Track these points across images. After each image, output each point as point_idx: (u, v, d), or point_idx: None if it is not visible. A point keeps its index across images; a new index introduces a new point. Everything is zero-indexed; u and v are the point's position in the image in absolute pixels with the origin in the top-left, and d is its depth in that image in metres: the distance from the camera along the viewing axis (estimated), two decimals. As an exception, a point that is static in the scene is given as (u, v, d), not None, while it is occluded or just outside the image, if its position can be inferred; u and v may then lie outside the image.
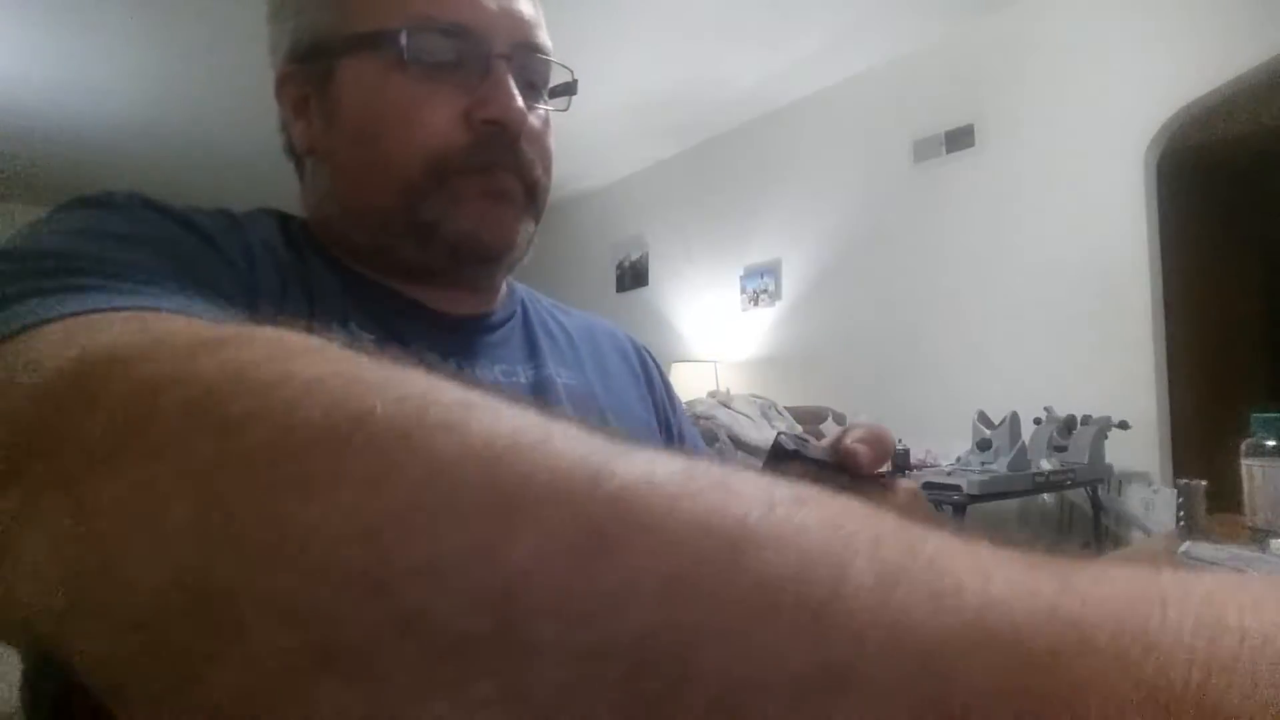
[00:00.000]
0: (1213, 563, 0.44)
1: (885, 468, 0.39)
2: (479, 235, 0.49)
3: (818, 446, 0.38)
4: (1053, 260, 2.59)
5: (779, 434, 0.39)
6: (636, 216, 4.49)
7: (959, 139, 2.87)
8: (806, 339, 3.47)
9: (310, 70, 0.51)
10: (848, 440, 0.39)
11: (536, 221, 0.54)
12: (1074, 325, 2.53)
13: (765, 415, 2.71)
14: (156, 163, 3.85)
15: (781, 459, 0.37)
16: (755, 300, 3.72)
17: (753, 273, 3.73)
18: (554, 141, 0.55)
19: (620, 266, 4.60)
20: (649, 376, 0.65)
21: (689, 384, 3.46)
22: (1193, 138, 2.63)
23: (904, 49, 3.02)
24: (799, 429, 2.73)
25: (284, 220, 0.53)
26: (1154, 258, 2.42)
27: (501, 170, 0.49)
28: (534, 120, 0.51)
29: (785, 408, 2.81)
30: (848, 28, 2.86)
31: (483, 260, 0.51)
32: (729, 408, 2.85)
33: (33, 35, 2.75)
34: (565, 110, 0.55)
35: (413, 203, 0.48)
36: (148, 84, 3.16)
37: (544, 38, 0.52)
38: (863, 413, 2.72)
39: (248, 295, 0.41)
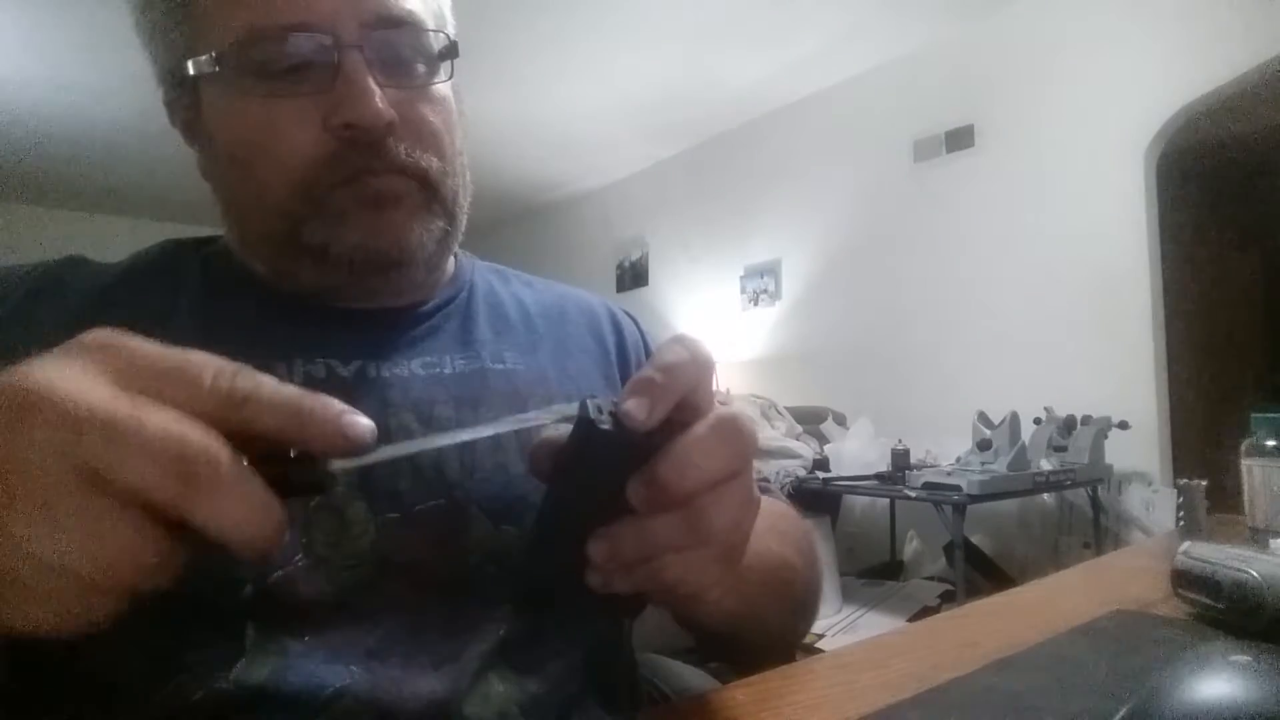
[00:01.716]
0: (1213, 563, 0.44)
1: (706, 394, 0.32)
2: (371, 247, 0.45)
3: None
4: (1053, 260, 2.58)
5: (587, 408, 0.30)
6: (636, 216, 4.49)
7: (959, 139, 2.87)
8: (806, 339, 3.47)
9: (184, 98, 0.48)
10: (622, 399, 0.30)
11: (449, 213, 0.49)
12: (1074, 325, 2.53)
13: (765, 415, 2.71)
14: (157, 162, 3.85)
15: (589, 435, 0.30)
16: (755, 300, 3.72)
17: (753, 273, 3.73)
18: (450, 115, 0.49)
19: (620, 266, 4.60)
20: (622, 348, 0.61)
21: (689, 384, 3.45)
22: (1193, 138, 2.63)
23: (904, 49, 3.02)
24: (798, 429, 2.73)
25: (185, 251, 0.52)
26: (1154, 258, 2.41)
27: (375, 174, 0.45)
28: (408, 104, 0.46)
29: (785, 408, 2.81)
30: (848, 28, 2.86)
31: (383, 270, 0.47)
32: (729, 408, 2.84)
33: (33, 35, 2.75)
34: (449, 80, 0.49)
35: (295, 228, 0.45)
36: (148, 84, 3.15)
37: (408, 2, 0.46)
38: (863, 413, 2.72)
39: None
